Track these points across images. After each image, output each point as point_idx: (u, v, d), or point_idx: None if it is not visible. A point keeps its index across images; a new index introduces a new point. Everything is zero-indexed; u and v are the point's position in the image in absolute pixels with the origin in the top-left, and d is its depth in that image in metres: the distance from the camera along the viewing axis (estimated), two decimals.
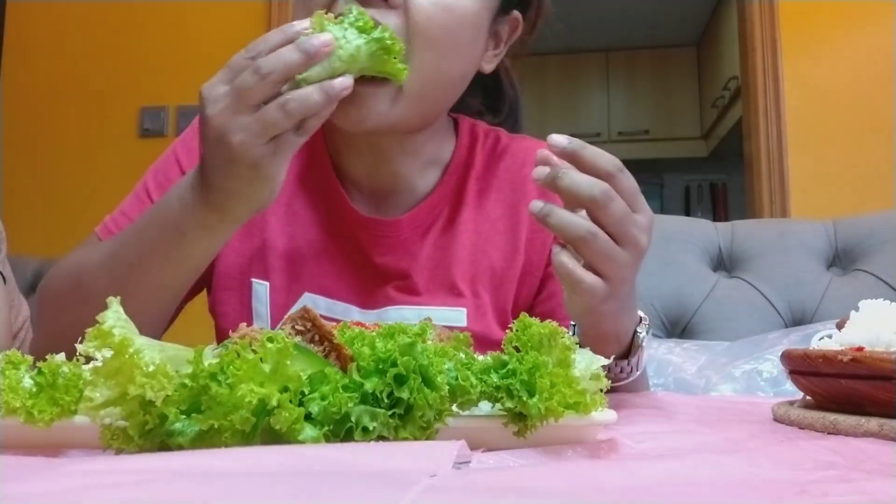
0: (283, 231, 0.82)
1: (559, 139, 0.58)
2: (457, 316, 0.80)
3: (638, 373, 0.69)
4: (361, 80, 0.63)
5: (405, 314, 0.79)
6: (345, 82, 0.59)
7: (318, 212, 0.83)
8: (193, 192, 0.63)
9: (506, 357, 0.40)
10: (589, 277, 0.57)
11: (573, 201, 0.58)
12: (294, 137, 0.60)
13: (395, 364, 0.37)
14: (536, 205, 0.58)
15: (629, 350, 0.68)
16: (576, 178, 0.57)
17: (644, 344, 0.68)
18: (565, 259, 0.57)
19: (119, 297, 0.39)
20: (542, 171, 0.59)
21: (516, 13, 0.82)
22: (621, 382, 0.69)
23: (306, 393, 0.36)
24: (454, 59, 0.73)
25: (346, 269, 0.81)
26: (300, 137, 0.60)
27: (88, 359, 0.37)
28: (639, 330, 0.67)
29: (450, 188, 0.84)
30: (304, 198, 0.83)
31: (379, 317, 0.79)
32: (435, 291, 0.81)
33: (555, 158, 0.59)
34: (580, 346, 0.44)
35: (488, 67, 0.81)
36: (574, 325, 0.68)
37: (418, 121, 0.77)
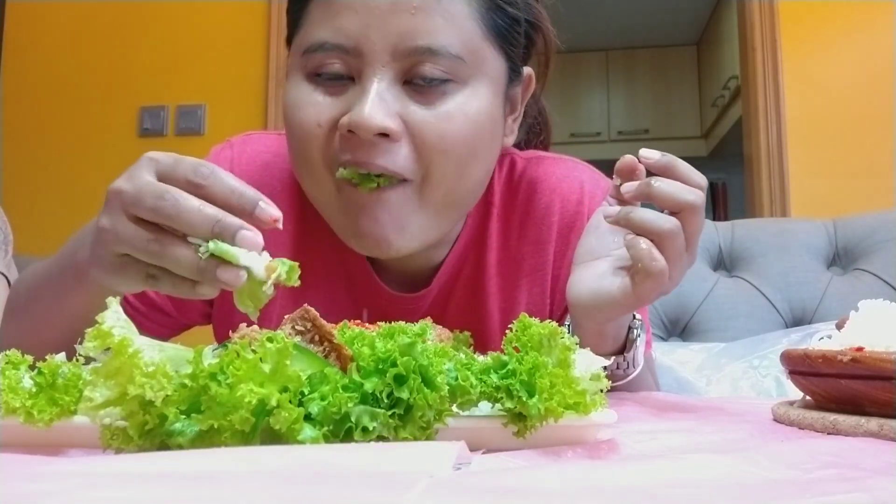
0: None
1: (651, 153, 0.59)
2: None
3: (636, 371, 0.69)
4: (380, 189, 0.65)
5: None
6: (238, 274, 0.45)
7: (342, 283, 0.81)
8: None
9: (505, 357, 0.40)
10: (663, 261, 0.58)
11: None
12: (152, 282, 0.49)
13: (394, 364, 0.37)
14: (612, 210, 0.61)
15: (624, 346, 0.69)
16: (646, 215, 0.58)
17: (639, 341, 0.68)
18: (643, 240, 0.58)
19: (118, 298, 0.39)
20: (611, 211, 0.61)
21: (527, 70, 0.77)
22: (620, 381, 0.69)
23: (306, 393, 0.36)
24: (477, 162, 0.69)
25: None
26: (157, 286, 0.49)
27: (88, 359, 0.37)
28: (633, 326, 0.68)
29: (473, 232, 0.81)
30: (325, 266, 0.81)
31: None
32: None
33: (638, 172, 0.61)
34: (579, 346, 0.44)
35: (510, 140, 0.76)
36: (568, 326, 0.69)
37: (451, 226, 0.74)
